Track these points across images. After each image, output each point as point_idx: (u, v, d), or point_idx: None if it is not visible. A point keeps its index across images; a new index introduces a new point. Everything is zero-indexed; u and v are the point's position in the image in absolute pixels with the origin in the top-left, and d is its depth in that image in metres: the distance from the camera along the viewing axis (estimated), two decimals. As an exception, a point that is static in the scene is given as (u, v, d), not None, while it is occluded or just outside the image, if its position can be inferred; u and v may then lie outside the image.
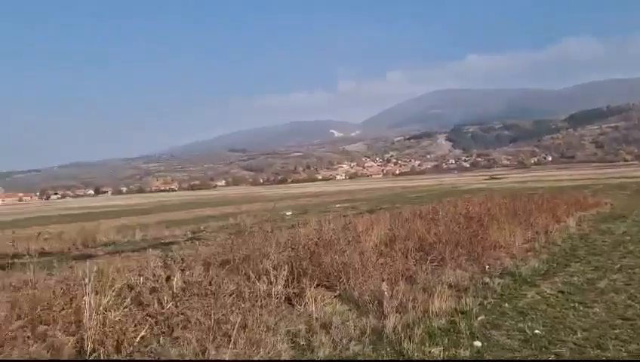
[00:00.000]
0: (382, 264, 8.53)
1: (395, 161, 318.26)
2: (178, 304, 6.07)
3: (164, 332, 5.68)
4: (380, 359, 5.45)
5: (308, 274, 7.78)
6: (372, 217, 17.19)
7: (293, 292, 7.33)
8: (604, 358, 5.31)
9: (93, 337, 5.27)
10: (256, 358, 5.19)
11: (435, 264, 9.43)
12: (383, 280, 7.44)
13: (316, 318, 6.51)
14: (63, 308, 5.96)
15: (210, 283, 7.04)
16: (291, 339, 5.85)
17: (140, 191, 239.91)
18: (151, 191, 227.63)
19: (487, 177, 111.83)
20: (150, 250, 13.43)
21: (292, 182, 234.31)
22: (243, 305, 6.32)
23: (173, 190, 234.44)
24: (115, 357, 5.18)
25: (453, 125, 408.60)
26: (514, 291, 8.18)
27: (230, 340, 5.33)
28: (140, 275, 7.46)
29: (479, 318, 6.64)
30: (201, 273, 7.52)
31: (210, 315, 5.81)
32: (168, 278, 6.63)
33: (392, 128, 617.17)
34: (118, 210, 57.98)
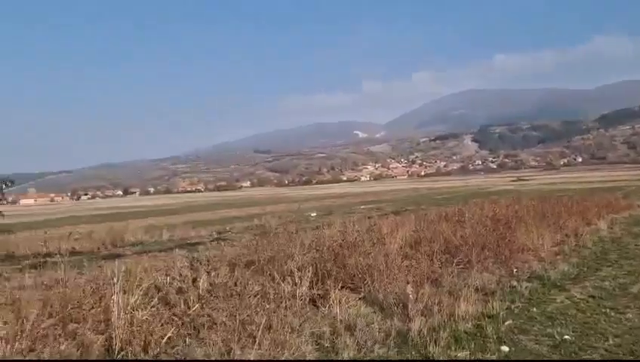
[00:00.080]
0: (407, 266, 8.46)
1: (420, 162, 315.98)
2: (204, 305, 6.13)
3: (189, 334, 5.74)
4: (405, 359, 5.41)
5: (332, 275, 7.77)
6: (397, 219, 17.09)
7: (318, 294, 7.32)
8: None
9: (121, 336, 5.36)
10: (281, 359, 5.21)
11: (461, 267, 9.30)
12: (407, 283, 7.37)
13: (340, 320, 6.49)
14: (93, 307, 6.10)
15: (235, 284, 7.11)
16: (316, 341, 5.84)
17: (167, 191, 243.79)
18: (178, 192, 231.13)
19: (514, 179, 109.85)
20: (177, 250, 13.62)
21: (316, 183, 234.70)
22: (268, 306, 6.35)
23: (199, 191, 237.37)
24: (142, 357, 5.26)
25: (479, 126, 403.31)
26: (542, 295, 8.01)
27: (255, 341, 5.36)
28: (166, 275, 7.58)
29: (507, 323, 6.52)
30: (227, 274, 7.59)
31: (236, 316, 5.85)
32: (194, 280, 6.71)
33: (417, 129, 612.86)
34: (146, 211, 59.02)
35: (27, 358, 4.88)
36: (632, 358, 5.33)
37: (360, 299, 7.51)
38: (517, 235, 11.38)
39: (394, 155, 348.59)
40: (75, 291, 6.75)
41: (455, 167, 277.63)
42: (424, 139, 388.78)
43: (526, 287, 8.37)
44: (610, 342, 5.79)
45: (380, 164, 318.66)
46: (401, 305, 6.84)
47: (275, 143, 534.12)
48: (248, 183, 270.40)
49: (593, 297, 7.78)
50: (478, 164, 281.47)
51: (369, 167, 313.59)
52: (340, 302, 6.91)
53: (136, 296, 6.02)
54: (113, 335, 5.40)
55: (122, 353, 5.27)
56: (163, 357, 5.28)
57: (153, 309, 5.94)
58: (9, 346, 4.84)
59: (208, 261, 7.67)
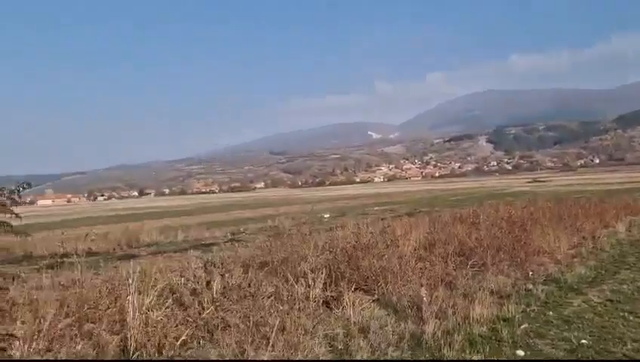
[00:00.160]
0: (421, 268, 8.41)
1: (434, 163, 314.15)
2: (218, 308, 6.16)
3: (203, 337, 5.78)
4: (419, 360, 5.39)
5: (346, 277, 7.75)
6: (411, 220, 17.00)
7: (331, 296, 7.32)
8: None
9: (136, 337, 5.41)
10: (296, 359, 5.21)
11: (475, 269, 9.23)
12: (421, 285, 7.33)
13: (354, 322, 6.47)
14: (109, 307, 6.16)
15: (249, 285, 7.13)
16: (329, 343, 5.84)
17: (182, 192, 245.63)
18: (192, 193, 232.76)
19: (530, 180, 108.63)
20: (191, 250, 13.71)
21: (330, 184, 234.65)
22: (281, 308, 6.35)
23: (213, 192, 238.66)
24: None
25: (494, 126, 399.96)
26: (559, 299, 7.91)
27: (269, 342, 5.36)
28: (181, 276, 7.63)
29: (522, 326, 6.45)
30: (241, 275, 7.61)
31: (249, 317, 5.87)
32: (208, 283, 6.75)
33: (431, 130, 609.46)
34: (161, 211, 59.52)
35: (44, 358, 4.94)
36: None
37: (373, 301, 7.48)
38: (533, 237, 11.25)
39: (408, 156, 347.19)
40: (91, 291, 6.83)
41: (470, 168, 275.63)
42: (438, 140, 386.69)
43: (542, 290, 8.27)
44: (629, 346, 5.69)
45: (393, 165, 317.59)
46: (415, 307, 6.81)
47: (289, 144, 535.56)
48: (262, 184, 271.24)
49: (611, 301, 7.66)
50: (493, 165, 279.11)
51: (383, 168, 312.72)
52: (353, 304, 6.90)
53: (151, 297, 6.06)
54: (128, 336, 5.45)
55: (137, 353, 5.32)
56: (178, 358, 5.32)
57: (167, 310, 5.98)
58: (27, 346, 4.90)
59: (222, 263, 7.69)
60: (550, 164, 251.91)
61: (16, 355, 4.84)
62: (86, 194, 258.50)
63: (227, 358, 5.24)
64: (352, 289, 7.34)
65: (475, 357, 5.43)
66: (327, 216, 30.83)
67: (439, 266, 8.55)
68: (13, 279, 5.04)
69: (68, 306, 6.23)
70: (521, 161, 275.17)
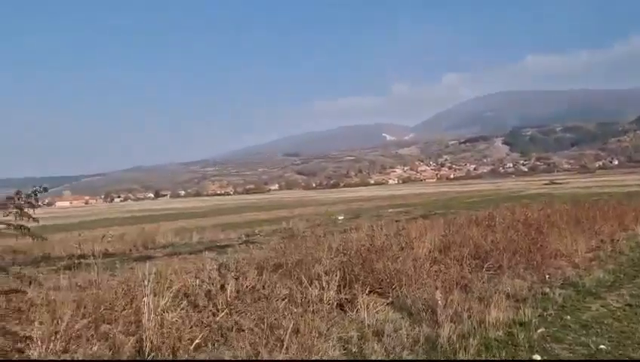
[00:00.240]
0: (436, 271, 8.36)
1: (449, 165, 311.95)
2: (232, 311, 6.19)
3: (217, 341, 5.80)
4: (432, 359, 5.35)
5: (360, 280, 7.73)
6: (425, 223, 16.91)
7: (345, 298, 7.30)
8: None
9: (151, 338, 5.45)
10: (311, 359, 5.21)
11: (491, 272, 9.14)
12: (436, 288, 7.28)
13: (368, 325, 6.45)
14: (124, 308, 6.23)
15: (263, 287, 7.15)
16: (343, 346, 5.82)
17: (197, 194, 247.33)
18: (207, 195, 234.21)
19: (547, 182, 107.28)
20: (206, 252, 13.79)
21: (344, 186, 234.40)
22: (295, 310, 6.36)
23: (228, 194, 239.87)
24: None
25: (510, 128, 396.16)
26: (577, 303, 7.78)
27: (283, 345, 5.37)
28: (196, 278, 7.67)
29: (539, 330, 6.36)
30: (255, 277, 7.63)
31: (264, 319, 5.88)
32: (222, 286, 6.78)
33: (446, 131, 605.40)
34: (176, 213, 60.01)
35: (61, 358, 5.00)
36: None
37: (388, 304, 7.45)
38: (549, 240, 11.11)
39: (422, 158, 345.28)
40: (107, 292, 6.91)
41: (485, 170, 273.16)
42: (453, 142, 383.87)
43: (559, 294, 8.15)
44: (649, 352, 5.58)
45: (408, 167, 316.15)
46: (429, 310, 6.76)
47: (303, 146, 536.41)
48: (277, 186, 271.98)
49: (630, 306, 7.51)
50: (509, 167, 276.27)
51: (397, 170, 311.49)
52: (367, 307, 6.88)
53: (167, 299, 6.11)
54: (144, 337, 5.49)
55: (152, 354, 5.36)
56: (192, 359, 5.35)
57: (182, 312, 6.02)
58: (44, 346, 4.97)
59: (236, 267, 7.71)
60: (567, 166, 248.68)
61: (34, 355, 4.91)
62: (103, 196, 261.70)
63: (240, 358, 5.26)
64: (366, 291, 7.32)
65: None
66: (342, 217, 30.81)
67: (454, 269, 8.48)
68: (30, 282, 5.10)
69: (85, 307, 6.30)
70: (538, 163, 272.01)
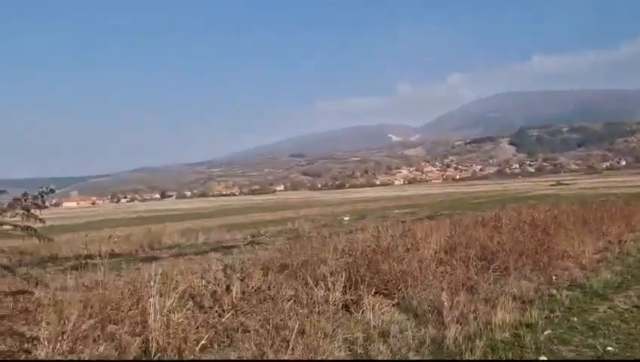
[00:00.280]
0: (441, 272, 8.33)
1: (455, 165, 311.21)
2: (237, 312, 6.19)
3: (223, 342, 5.81)
4: (438, 359, 5.35)
5: (365, 281, 7.71)
6: (431, 224, 16.88)
7: (351, 299, 7.29)
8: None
9: (157, 338, 5.47)
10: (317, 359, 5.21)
11: (497, 274, 9.11)
12: (442, 290, 7.26)
13: (374, 326, 6.44)
14: (131, 309, 6.25)
15: (269, 288, 7.15)
16: (348, 347, 5.82)
17: (203, 195, 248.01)
18: (213, 196, 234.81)
19: (553, 183, 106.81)
20: (212, 253, 13.82)
21: (350, 186, 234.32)
22: (301, 311, 6.36)
23: (234, 194, 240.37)
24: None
25: (516, 128, 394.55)
26: (584, 304, 7.74)
27: (288, 346, 5.37)
28: (202, 278, 7.69)
29: (545, 332, 6.32)
30: (261, 278, 7.64)
31: (269, 320, 5.89)
32: (228, 287, 6.79)
33: (452, 132, 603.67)
34: (182, 214, 60.18)
35: (68, 359, 5.02)
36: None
37: (394, 305, 7.44)
38: (556, 241, 11.06)
39: (428, 159, 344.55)
40: (113, 293, 6.93)
41: (491, 171, 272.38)
42: (459, 143, 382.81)
43: (566, 296, 8.10)
44: (657, 354, 5.54)
45: (414, 168, 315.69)
46: (435, 312, 6.75)
47: (309, 147, 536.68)
48: (282, 187, 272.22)
49: (638, 307, 7.46)
50: (516, 168, 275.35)
51: (403, 170, 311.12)
52: (373, 308, 6.87)
53: (172, 299, 6.13)
54: (150, 338, 5.51)
55: (158, 355, 5.37)
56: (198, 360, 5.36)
57: (188, 313, 6.03)
58: (51, 347, 4.99)
59: (242, 267, 7.72)
60: (574, 167, 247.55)
61: (41, 356, 4.93)
62: (109, 197, 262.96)
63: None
64: (372, 292, 7.31)
65: (497, 363, 5.35)
66: (347, 218, 30.79)
67: (460, 270, 8.46)
68: (37, 284, 5.13)
69: (91, 307, 6.33)
70: (545, 164, 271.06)
